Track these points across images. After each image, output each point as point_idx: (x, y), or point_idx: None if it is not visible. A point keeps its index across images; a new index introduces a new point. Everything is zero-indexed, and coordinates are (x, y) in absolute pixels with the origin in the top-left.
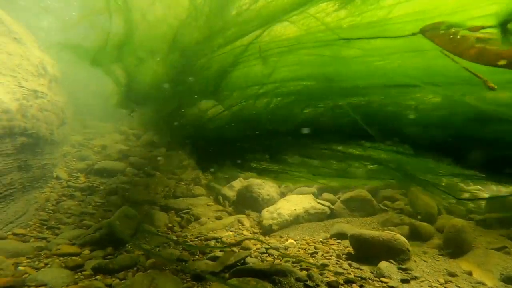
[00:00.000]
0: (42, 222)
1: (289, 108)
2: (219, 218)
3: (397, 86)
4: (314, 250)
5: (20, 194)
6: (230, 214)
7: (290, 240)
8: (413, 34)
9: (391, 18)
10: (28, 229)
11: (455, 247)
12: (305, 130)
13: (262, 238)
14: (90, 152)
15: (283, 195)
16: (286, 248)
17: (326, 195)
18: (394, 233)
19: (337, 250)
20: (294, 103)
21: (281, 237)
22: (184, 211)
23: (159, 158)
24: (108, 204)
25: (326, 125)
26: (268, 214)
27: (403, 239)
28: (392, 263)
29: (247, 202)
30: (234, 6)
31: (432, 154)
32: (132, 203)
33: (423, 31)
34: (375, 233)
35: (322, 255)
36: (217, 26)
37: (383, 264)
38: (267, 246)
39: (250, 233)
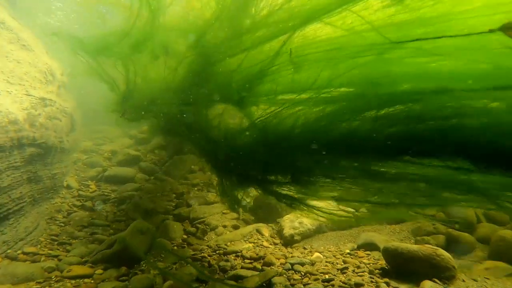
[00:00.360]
0: (53, 237)
1: (323, 119)
2: (236, 227)
3: (458, 91)
4: (343, 264)
5: (30, 207)
6: (247, 223)
7: (316, 254)
8: (491, 31)
9: (453, 13)
10: (39, 246)
11: (506, 263)
12: (340, 146)
13: (284, 250)
14: (100, 159)
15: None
16: (312, 263)
17: None
18: (435, 247)
19: (369, 264)
20: (330, 114)
21: (305, 248)
22: (199, 221)
23: (170, 162)
24: (120, 214)
25: (367, 138)
26: (288, 223)
27: (447, 254)
28: (437, 282)
29: (265, 210)
30: (263, 5)
31: (499, 168)
32: (144, 213)
33: (506, 28)
34: (413, 247)
35: (353, 270)
36: (244, 26)
37: (427, 284)
38: (292, 261)
39: (271, 244)
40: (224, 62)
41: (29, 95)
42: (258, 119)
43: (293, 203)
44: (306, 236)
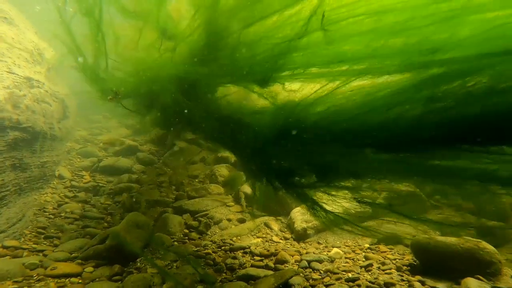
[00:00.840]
0: (39, 230)
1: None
2: (241, 221)
3: None
4: (366, 261)
5: (15, 197)
6: (254, 216)
7: (335, 250)
8: None
9: None
10: (23, 239)
11: None
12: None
13: (297, 245)
14: (95, 149)
15: None
16: (331, 260)
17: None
18: (477, 240)
19: (394, 260)
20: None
21: (319, 243)
22: (201, 214)
23: (169, 153)
24: (116, 206)
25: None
26: (300, 216)
27: (491, 247)
28: (482, 280)
29: (273, 202)
30: None
31: None
32: (142, 205)
33: None
34: (451, 240)
35: (379, 268)
36: None
37: (472, 283)
38: (308, 258)
39: (281, 238)
40: (240, 33)
41: (12, 73)
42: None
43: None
44: (320, 229)
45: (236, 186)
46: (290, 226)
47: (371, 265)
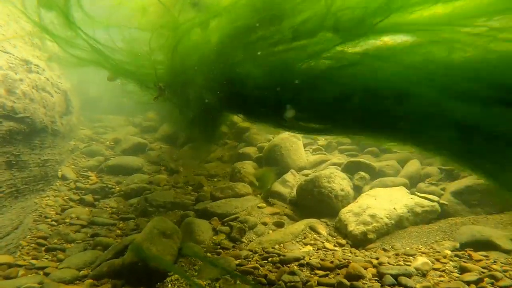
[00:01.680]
0: (40, 240)
1: None
2: (279, 224)
3: None
4: (465, 273)
5: (11, 200)
6: (292, 219)
7: (421, 259)
8: None
9: None
10: (19, 253)
11: None
12: None
13: (361, 254)
14: (101, 147)
15: (358, 189)
16: (423, 274)
17: (424, 185)
18: None
19: (501, 270)
20: None
21: (385, 249)
22: (231, 217)
23: (182, 151)
24: (128, 210)
25: None
26: (352, 217)
27: None
28: None
29: (313, 201)
30: None
31: None
32: (158, 208)
33: None
34: None
35: (492, 283)
36: None
37: None
38: (392, 272)
39: (335, 245)
40: None
41: (6, 53)
42: None
43: None
44: (384, 233)
45: (266, 184)
46: (340, 230)
47: (480, 280)
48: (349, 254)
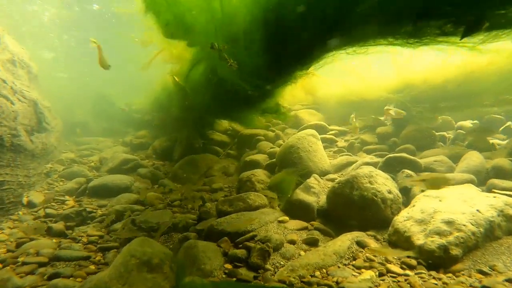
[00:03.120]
0: None
1: None
2: (312, 242)
3: None
4: None
5: None
6: (325, 234)
7: None
8: None
9: None
10: None
11: None
12: None
13: (451, 281)
14: (84, 168)
15: (405, 191)
16: None
17: (498, 181)
18: None
19: None
20: None
21: (484, 272)
22: (246, 237)
23: (178, 165)
24: (110, 237)
25: None
26: (416, 226)
27: None
28: None
29: (352, 208)
30: None
31: None
32: (149, 232)
33: None
34: None
35: None
36: None
37: None
38: None
39: (401, 267)
40: None
41: None
42: None
43: None
44: (471, 246)
45: (285, 192)
46: (398, 244)
47: None
48: (435, 282)
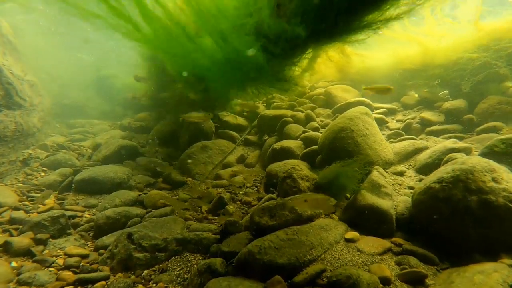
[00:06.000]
0: None
1: None
2: (416, 280)
3: None
4: None
5: None
6: (424, 260)
7: None
8: None
9: None
10: None
11: None
12: None
13: None
14: (72, 156)
15: None
16: None
17: None
18: None
19: None
20: None
21: None
22: (311, 274)
23: (186, 154)
24: (98, 257)
25: None
26: None
27: None
28: None
29: (468, 221)
30: None
31: None
32: (153, 253)
33: None
34: None
35: None
36: None
37: None
38: None
39: None
40: None
41: None
42: None
43: None
44: None
45: (343, 194)
46: None
47: None
48: None
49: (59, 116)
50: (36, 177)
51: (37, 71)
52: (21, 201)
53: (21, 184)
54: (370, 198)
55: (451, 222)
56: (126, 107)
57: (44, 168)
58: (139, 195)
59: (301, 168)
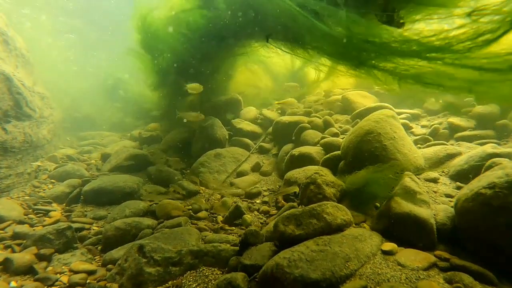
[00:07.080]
0: None
1: None
2: None
3: None
4: None
5: None
6: (480, 279)
7: None
8: None
9: None
10: None
11: None
12: None
13: None
14: (81, 167)
15: None
16: None
17: None
18: None
19: None
20: None
21: None
22: None
23: (199, 163)
24: (107, 274)
25: None
26: None
27: None
28: None
29: None
30: None
31: None
32: (166, 267)
33: None
34: None
35: None
36: None
37: None
38: None
39: None
40: None
41: None
42: None
43: None
44: None
45: (373, 201)
46: None
47: None
48: None
49: (69, 129)
50: (44, 190)
51: (49, 84)
52: (26, 215)
53: (27, 197)
54: (406, 205)
55: (509, 234)
56: (137, 118)
57: (52, 180)
58: (150, 205)
59: (325, 173)
